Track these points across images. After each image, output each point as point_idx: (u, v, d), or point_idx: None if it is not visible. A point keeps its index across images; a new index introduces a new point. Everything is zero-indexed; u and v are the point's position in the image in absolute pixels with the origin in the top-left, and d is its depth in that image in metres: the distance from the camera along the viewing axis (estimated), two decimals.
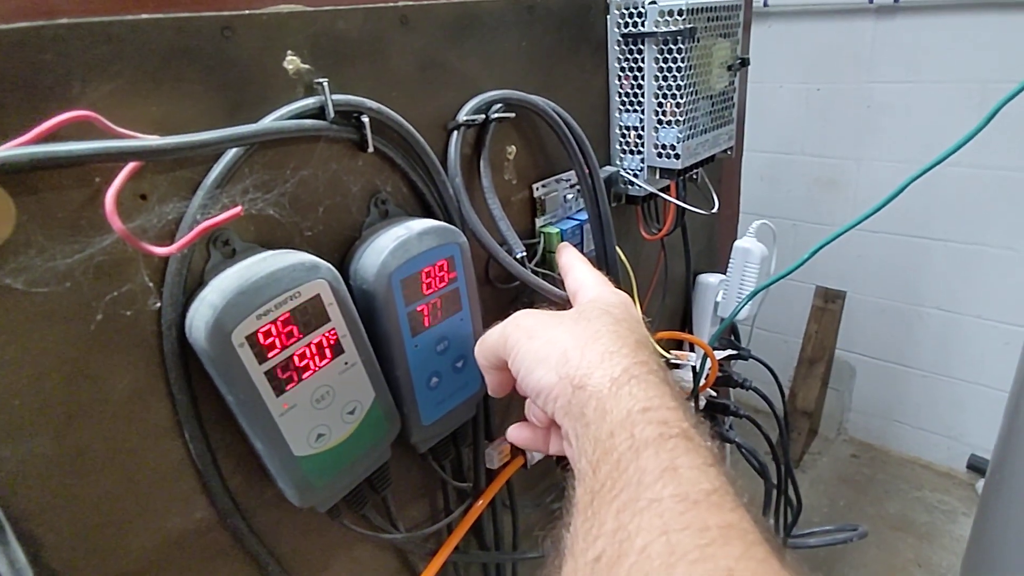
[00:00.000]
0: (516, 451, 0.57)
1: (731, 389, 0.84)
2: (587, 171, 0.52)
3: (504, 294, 0.54)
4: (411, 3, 0.41)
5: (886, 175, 2.08)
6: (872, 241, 2.25)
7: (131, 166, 0.28)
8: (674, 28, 0.53)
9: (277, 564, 0.41)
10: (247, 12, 0.33)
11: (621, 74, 0.58)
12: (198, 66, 0.32)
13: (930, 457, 2.53)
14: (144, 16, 0.29)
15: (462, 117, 0.45)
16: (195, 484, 0.37)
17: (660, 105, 0.56)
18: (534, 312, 0.36)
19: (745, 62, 0.63)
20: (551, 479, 0.66)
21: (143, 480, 0.35)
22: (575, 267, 0.43)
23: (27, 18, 0.27)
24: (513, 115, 0.47)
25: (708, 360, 0.72)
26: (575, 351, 0.32)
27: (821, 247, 0.75)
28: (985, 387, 2.22)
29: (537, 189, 0.54)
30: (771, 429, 0.90)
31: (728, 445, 0.86)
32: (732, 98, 0.63)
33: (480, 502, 0.53)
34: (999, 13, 1.82)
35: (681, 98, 0.55)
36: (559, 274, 0.45)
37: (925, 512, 2.34)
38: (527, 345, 0.34)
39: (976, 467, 2.32)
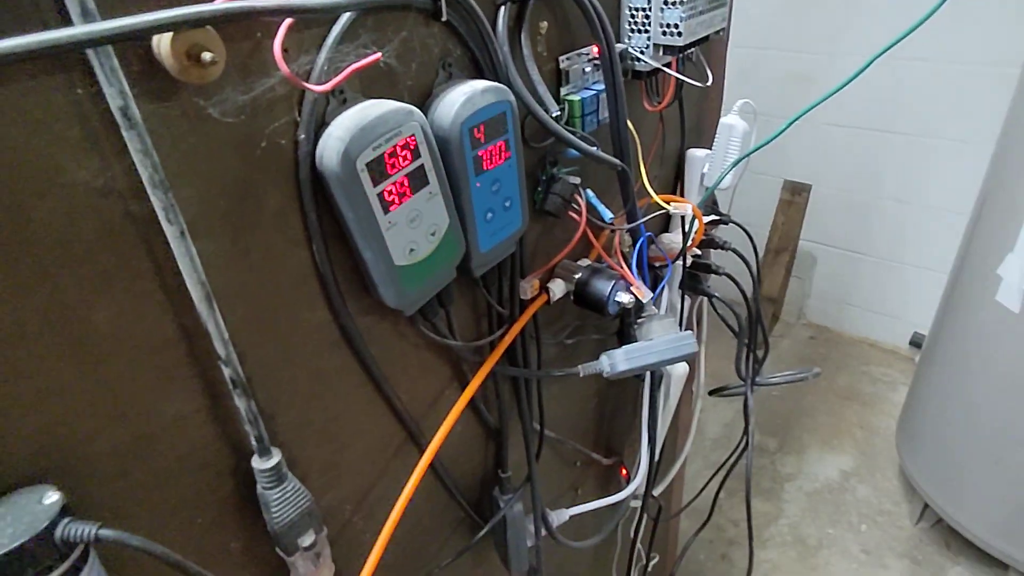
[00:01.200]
0: (542, 288, 0.69)
1: (712, 251, 0.97)
2: (606, 45, 0.61)
3: (534, 153, 0.64)
4: None
5: (857, 68, 2.17)
6: (838, 135, 2.37)
7: (288, 22, 0.37)
8: None
9: (372, 357, 0.53)
10: None
11: None
12: None
13: (877, 336, 2.77)
14: None
15: None
16: (317, 289, 0.48)
17: None
18: None
19: None
20: (566, 319, 0.79)
21: (285, 281, 0.45)
22: None
23: None
24: None
25: (696, 222, 0.84)
26: None
27: (794, 120, 0.86)
28: (930, 270, 2.41)
29: (563, 62, 0.62)
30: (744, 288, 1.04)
31: (707, 299, 1.00)
32: None
33: (516, 325, 0.65)
34: None
35: None
36: None
37: (870, 384, 2.59)
38: None
39: (917, 343, 2.56)
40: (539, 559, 0.80)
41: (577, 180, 0.65)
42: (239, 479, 0.47)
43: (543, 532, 0.79)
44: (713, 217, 0.92)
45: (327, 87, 0.38)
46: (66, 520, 0.33)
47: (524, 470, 0.77)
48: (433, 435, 0.62)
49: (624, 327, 0.88)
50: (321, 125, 0.43)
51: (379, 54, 0.40)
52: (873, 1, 2.09)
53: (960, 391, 1.68)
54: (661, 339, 0.69)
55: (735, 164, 0.83)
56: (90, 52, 0.30)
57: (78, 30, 0.28)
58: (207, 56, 0.32)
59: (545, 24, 0.59)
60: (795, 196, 2.57)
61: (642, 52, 0.69)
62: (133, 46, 0.32)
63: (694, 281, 0.97)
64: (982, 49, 1.94)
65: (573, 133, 0.61)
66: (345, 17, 0.41)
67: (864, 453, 2.30)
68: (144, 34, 0.30)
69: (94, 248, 0.34)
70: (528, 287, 0.66)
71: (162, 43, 0.32)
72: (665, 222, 0.96)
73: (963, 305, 1.65)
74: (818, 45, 2.29)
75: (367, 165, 0.42)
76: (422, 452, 0.62)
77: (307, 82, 0.41)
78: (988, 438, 1.61)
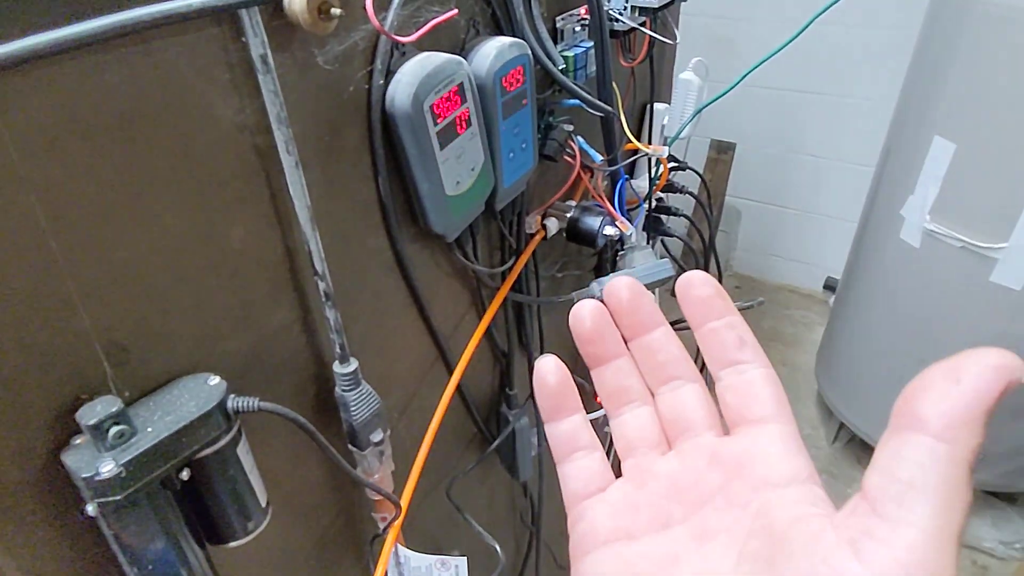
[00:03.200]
0: (541, 225, 0.79)
1: (670, 194, 1.09)
2: (596, 6, 0.70)
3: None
4: None
5: (775, 32, 2.34)
6: (759, 95, 2.55)
7: None
8: None
9: (418, 280, 0.61)
10: None
11: None
12: None
13: (797, 283, 3.02)
14: None
15: None
16: (379, 219, 0.55)
17: None
18: None
19: None
20: (555, 255, 0.89)
21: (358, 210, 0.53)
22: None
23: None
24: None
25: (661, 167, 0.96)
26: None
27: (742, 79, 0.99)
28: (841, 219, 2.65)
29: (558, 21, 0.71)
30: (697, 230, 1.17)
31: (667, 238, 1.12)
32: None
33: (523, 255, 0.75)
34: None
35: None
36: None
37: (791, 325, 2.85)
38: None
39: (830, 286, 2.82)
40: (541, 466, 0.91)
41: (571, 127, 0.75)
42: (319, 385, 0.55)
43: (543, 443, 0.90)
44: (673, 164, 1.03)
45: (413, 38, 0.45)
46: (233, 395, 0.40)
47: (524, 390, 0.87)
48: (458, 355, 0.71)
49: (601, 262, 0.99)
50: (388, 74, 0.50)
51: (456, 10, 0.48)
52: None
53: (871, 320, 1.91)
54: (643, 266, 0.81)
55: (695, 115, 0.95)
56: (242, 11, 0.37)
57: None
58: (336, 11, 0.39)
59: None
60: (721, 154, 2.75)
61: (620, 13, 0.78)
62: (267, 4, 0.39)
63: (656, 223, 1.08)
64: (884, 13, 2.15)
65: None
66: None
67: (788, 387, 2.48)
68: None
69: (232, 176, 0.41)
70: (532, 222, 0.75)
71: (295, 1, 0.39)
72: (631, 169, 1.06)
73: (871, 246, 1.87)
74: (738, 11, 2.45)
75: (430, 107, 0.50)
76: (450, 370, 0.71)
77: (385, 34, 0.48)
78: (894, 360, 1.85)
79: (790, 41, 1.10)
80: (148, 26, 0.31)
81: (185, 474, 0.39)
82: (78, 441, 0.36)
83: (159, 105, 0.36)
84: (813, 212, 2.74)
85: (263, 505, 0.45)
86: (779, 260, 2.97)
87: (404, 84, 0.49)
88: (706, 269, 1.13)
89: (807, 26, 1.08)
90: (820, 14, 1.19)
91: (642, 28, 0.80)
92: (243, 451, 0.42)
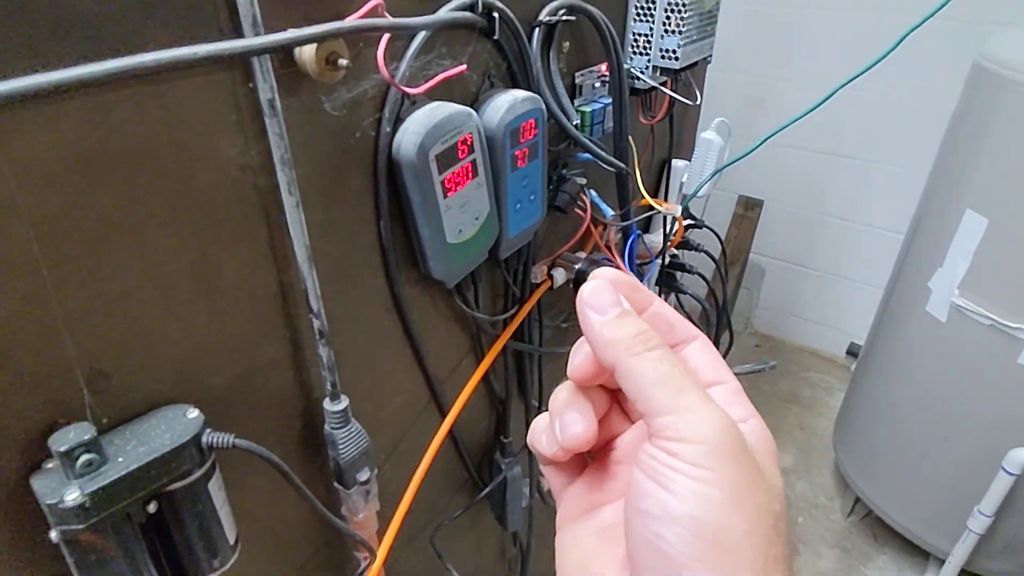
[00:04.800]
0: (546, 275, 0.79)
1: (686, 251, 1.08)
2: (616, 65, 0.71)
3: (548, 155, 0.73)
4: None
5: (807, 94, 2.35)
6: (790, 155, 2.54)
7: (387, 36, 0.45)
8: None
9: (414, 323, 0.61)
10: None
11: None
12: None
13: (817, 345, 2.96)
14: None
15: (543, 18, 0.62)
16: (379, 261, 0.56)
17: (668, 17, 0.75)
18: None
19: None
20: (561, 305, 0.89)
21: (358, 252, 0.53)
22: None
23: None
24: (575, 18, 0.65)
25: (676, 224, 0.95)
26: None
27: (766, 140, 0.99)
28: (866, 285, 2.60)
29: (577, 77, 0.72)
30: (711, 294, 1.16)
31: (681, 295, 1.11)
32: (716, 16, 0.82)
33: (527, 304, 0.75)
34: None
35: (684, 13, 0.74)
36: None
37: (809, 388, 2.78)
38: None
39: (853, 352, 2.76)
40: (532, 517, 0.89)
41: (583, 180, 0.75)
42: (305, 420, 0.55)
43: (535, 494, 0.88)
44: (689, 222, 1.03)
45: (421, 90, 0.46)
46: (208, 430, 0.40)
47: (520, 439, 0.86)
48: (452, 399, 0.70)
49: None
50: (397, 121, 0.51)
51: (465, 66, 0.49)
52: (816, 31, 2.27)
53: (892, 393, 1.85)
54: None
55: (714, 175, 0.95)
56: (254, 59, 0.38)
57: (255, 41, 0.36)
58: (343, 62, 0.40)
59: (567, 44, 0.68)
60: (748, 211, 2.74)
61: (642, 72, 0.79)
62: (278, 53, 0.40)
63: (670, 279, 1.08)
64: (921, 85, 2.14)
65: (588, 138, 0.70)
66: (423, 32, 0.50)
67: (802, 452, 2.48)
68: (301, 44, 0.38)
69: (231, 213, 0.42)
70: (538, 272, 0.75)
71: (305, 50, 0.40)
72: (646, 224, 1.06)
73: (897, 315, 1.83)
74: (769, 69, 2.46)
75: (436, 156, 0.51)
76: (443, 414, 0.70)
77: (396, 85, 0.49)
78: (915, 436, 1.79)
79: (817, 106, 1.09)
80: (156, 71, 0.32)
81: (152, 506, 0.39)
82: (50, 466, 0.37)
83: (164, 143, 0.37)
84: (838, 275, 2.70)
85: (231, 542, 0.45)
86: (801, 321, 2.92)
87: (411, 133, 0.50)
88: (718, 329, 1.12)
89: (834, 93, 1.08)
90: (848, 82, 1.18)
91: (662, 88, 0.80)
92: (215, 487, 0.42)
